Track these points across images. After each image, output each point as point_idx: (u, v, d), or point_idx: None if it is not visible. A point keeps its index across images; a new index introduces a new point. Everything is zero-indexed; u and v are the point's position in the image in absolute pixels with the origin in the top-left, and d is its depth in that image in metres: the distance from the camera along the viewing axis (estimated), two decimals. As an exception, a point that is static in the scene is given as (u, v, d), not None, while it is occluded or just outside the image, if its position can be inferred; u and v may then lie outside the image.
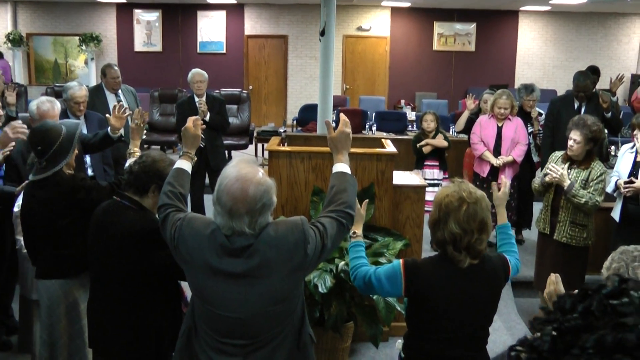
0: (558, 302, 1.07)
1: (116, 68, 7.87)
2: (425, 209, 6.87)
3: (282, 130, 11.50)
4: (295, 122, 13.89)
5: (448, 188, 3.05)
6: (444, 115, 13.15)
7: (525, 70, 18.14)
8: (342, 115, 3.33)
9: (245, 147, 12.55)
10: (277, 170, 5.14)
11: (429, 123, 7.97)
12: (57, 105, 5.64)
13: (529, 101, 7.84)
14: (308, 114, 12.72)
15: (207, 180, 8.29)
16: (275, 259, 2.67)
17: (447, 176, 8.00)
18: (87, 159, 6.16)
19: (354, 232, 3.42)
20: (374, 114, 13.21)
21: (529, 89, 7.88)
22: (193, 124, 3.40)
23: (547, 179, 5.58)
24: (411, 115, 13.97)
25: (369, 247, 4.94)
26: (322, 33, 7.71)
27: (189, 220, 2.82)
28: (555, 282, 2.77)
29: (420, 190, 5.44)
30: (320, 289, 4.36)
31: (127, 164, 4.39)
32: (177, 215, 2.88)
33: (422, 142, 7.92)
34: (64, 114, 6.13)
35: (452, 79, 18.16)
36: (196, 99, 7.95)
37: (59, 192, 4.00)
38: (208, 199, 7.98)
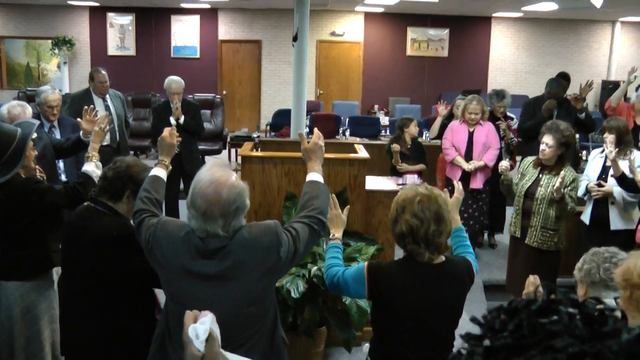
0: (487, 319, 1.04)
1: (104, 72, 7.80)
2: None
3: (255, 136, 11.50)
4: (268, 127, 13.88)
5: (405, 189, 3.13)
6: (417, 120, 13.21)
7: (497, 76, 18.29)
8: (316, 130, 3.40)
9: (218, 152, 12.53)
10: (250, 175, 5.13)
11: (413, 130, 8.01)
12: (29, 110, 5.60)
13: (499, 107, 7.93)
14: (281, 119, 12.71)
15: (182, 186, 8.27)
16: (248, 260, 2.70)
17: (423, 181, 8.03)
18: (61, 164, 6.12)
19: (334, 235, 3.48)
20: (347, 119, 13.24)
21: (500, 95, 7.97)
22: (169, 133, 3.42)
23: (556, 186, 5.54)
24: (384, 120, 14.01)
25: (341, 251, 4.96)
26: (295, 38, 7.72)
27: (162, 223, 2.84)
28: (534, 284, 2.81)
29: (392, 195, 5.43)
30: (292, 294, 4.37)
31: (83, 168, 4.39)
32: (152, 220, 2.90)
33: (404, 168, 7.90)
34: (36, 119, 6.09)
35: (426, 84, 18.26)
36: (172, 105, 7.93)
37: (11, 196, 3.98)
38: (183, 204, 7.95)
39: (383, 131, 12.93)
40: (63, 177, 6.18)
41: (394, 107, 16.46)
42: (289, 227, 2.89)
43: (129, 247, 3.26)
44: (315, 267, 4.57)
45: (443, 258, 3.10)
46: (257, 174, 5.16)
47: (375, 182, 5.62)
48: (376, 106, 17.27)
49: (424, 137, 10.76)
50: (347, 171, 5.19)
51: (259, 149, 6.31)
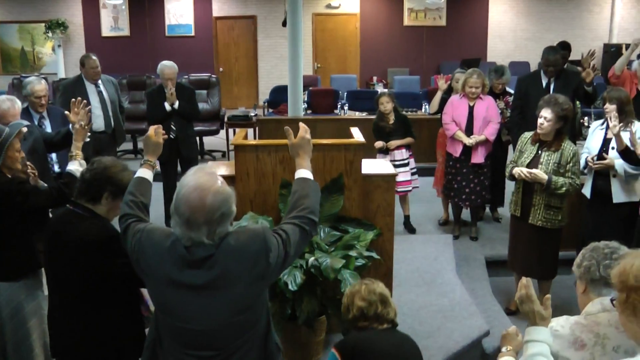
0: None
1: (95, 58, 7.73)
2: (397, 189, 6.80)
3: (252, 114, 11.39)
4: (266, 104, 13.78)
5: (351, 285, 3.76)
6: (416, 92, 13.11)
7: (497, 44, 18.09)
8: (302, 124, 3.28)
9: (216, 132, 12.34)
10: (244, 163, 5.04)
11: (386, 105, 7.78)
12: (18, 104, 5.50)
13: (498, 84, 7.86)
14: (279, 95, 12.60)
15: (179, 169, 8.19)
16: (236, 269, 2.62)
17: (411, 153, 7.86)
18: (54, 155, 6.04)
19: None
20: (345, 93, 13.12)
21: (499, 72, 7.92)
22: (154, 132, 3.32)
23: (514, 172, 5.60)
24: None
25: (339, 239, 4.87)
26: (284, 23, 7.61)
27: (148, 231, 2.76)
28: (526, 287, 2.70)
29: (390, 178, 5.34)
30: (290, 287, 4.29)
31: (67, 168, 4.32)
32: (138, 226, 2.82)
33: (393, 145, 7.71)
34: (25, 111, 6.00)
35: (424, 54, 18.09)
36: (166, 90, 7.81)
37: None
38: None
39: (382, 104, 12.79)
40: (56, 168, 6.11)
41: (393, 78, 16.32)
42: (278, 230, 2.80)
43: (110, 250, 3.22)
44: (313, 258, 4.48)
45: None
46: (252, 162, 5.05)
47: (371, 166, 5.50)
48: (375, 78, 17.14)
49: (423, 111, 10.65)
50: (343, 156, 5.07)
51: (257, 128, 6.20)
